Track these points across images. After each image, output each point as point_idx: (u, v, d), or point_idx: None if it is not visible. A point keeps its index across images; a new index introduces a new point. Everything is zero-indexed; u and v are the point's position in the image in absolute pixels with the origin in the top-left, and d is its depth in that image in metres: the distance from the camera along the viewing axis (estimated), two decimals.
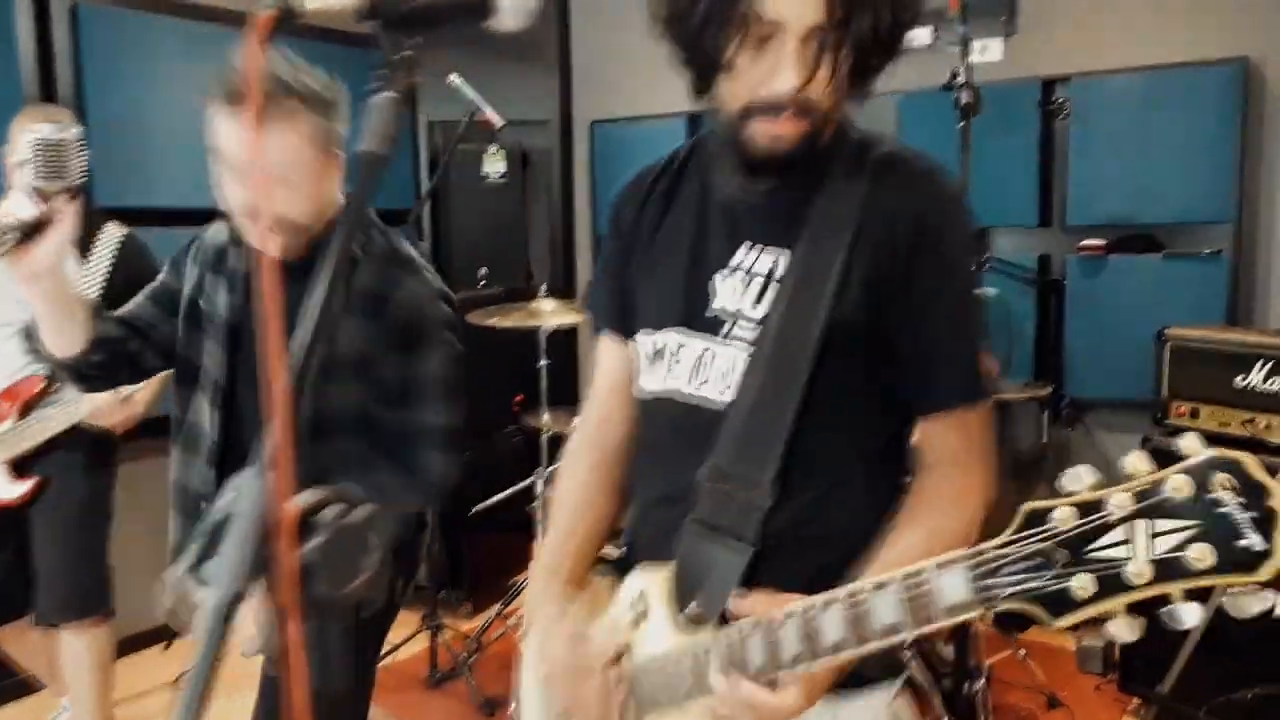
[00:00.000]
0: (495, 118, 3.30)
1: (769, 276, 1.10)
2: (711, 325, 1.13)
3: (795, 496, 1.08)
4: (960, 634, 3.06)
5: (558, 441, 3.30)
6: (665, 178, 1.24)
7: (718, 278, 1.14)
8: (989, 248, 3.71)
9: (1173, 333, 3.02)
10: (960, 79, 2.34)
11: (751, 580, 1.05)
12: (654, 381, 1.19)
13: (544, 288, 3.60)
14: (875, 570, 0.98)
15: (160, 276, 1.79)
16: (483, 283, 4.81)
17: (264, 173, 1.47)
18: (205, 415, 1.68)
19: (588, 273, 4.98)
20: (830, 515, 1.10)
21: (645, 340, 1.21)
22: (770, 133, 1.02)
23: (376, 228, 1.67)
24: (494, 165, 4.98)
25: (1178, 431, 3.00)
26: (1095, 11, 3.47)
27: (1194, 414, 2.97)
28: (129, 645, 3.41)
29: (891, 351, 1.08)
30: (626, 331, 1.26)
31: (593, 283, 1.31)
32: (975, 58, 3.71)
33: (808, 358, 1.05)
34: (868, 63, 1.03)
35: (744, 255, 1.12)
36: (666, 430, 1.18)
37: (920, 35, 3.80)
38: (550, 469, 3.38)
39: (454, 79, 3.38)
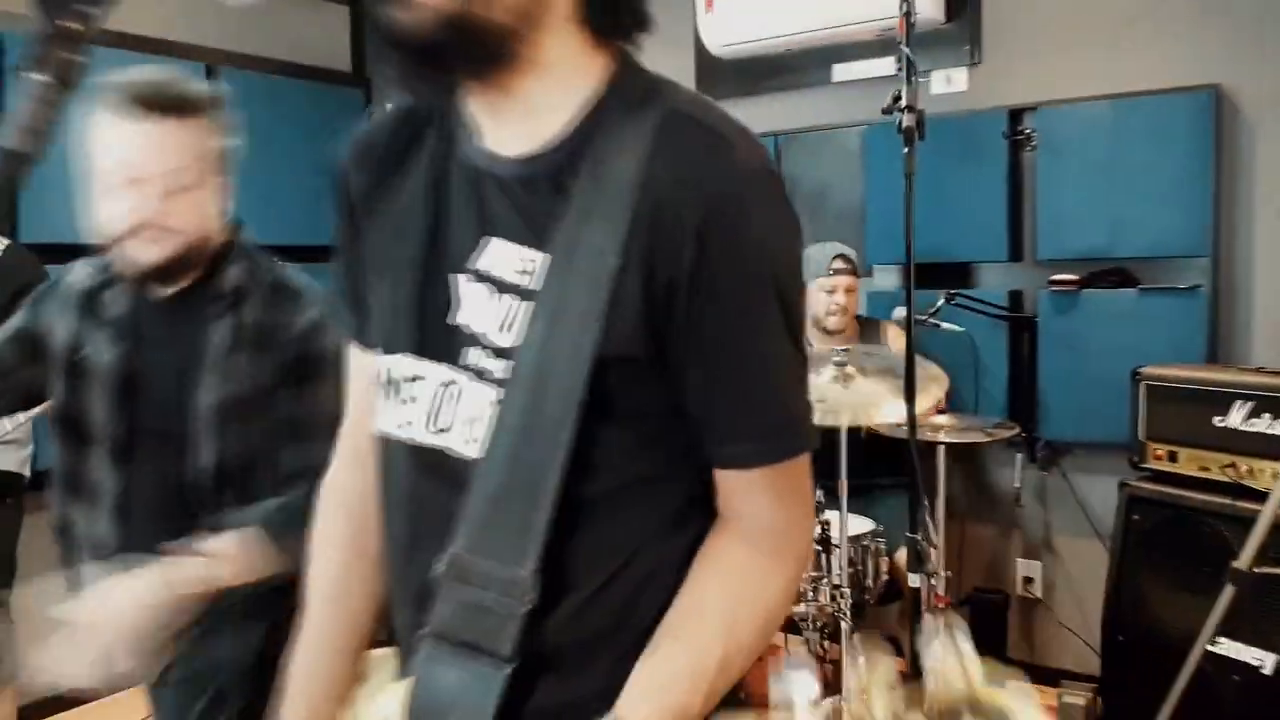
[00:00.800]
0: None
1: (520, 291, 0.82)
2: (452, 349, 0.85)
3: (569, 592, 0.82)
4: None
5: None
6: (405, 126, 0.92)
7: (462, 281, 0.85)
8: (969, 282, 3.57)
9: (1148, 371, 2.86)
10: (902, 101, 2.18)
11: (516, 707, 0.79)
12: (386, 421, 0.90)
13: None
14: (637, 696, 0.78)
15: (17, 321, 1.65)
16: None
17: (159, 180, 1.44)
18: (104, 470, 1.58)
19: None
20: (621, 610, 0.84)
21: (379, 362, 0.92)
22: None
23: (264, 257, 1.61)
24: None
25: (1156, 476, 2.83)
26: (1061, 39, 3.35)
27: (1172, 457, 2.80)
28: (40, 711, 3.20)
29: (683, 389, 0.82)
30: (368, 341, 0.98)
31: (333, 271, 1.01)
32: (940, 88, 3.60)
33: (573, 406, 0.77)
34: None
35: (492, 255, 0.84)
36: (402, 488, 0.90)
37: (882, 65, 3.68)
38: None
39: None
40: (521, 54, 0.79)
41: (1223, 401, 2.66)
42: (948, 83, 3.58)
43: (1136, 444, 2.87)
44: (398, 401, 0.88)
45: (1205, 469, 2.71)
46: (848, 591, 2.52)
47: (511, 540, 0.78)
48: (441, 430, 0.85)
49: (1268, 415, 2.58)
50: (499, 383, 0.82)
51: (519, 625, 0.78)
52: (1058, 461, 3.43)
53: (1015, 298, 3.48)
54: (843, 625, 2.52)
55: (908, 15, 2.26)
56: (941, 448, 2.97)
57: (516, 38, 0.78)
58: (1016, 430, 3.02)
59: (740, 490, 0.85)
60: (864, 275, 3.62)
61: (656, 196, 0.77)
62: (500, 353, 0.83)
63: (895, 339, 3.27)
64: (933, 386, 2.98)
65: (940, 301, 3.31)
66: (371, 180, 0.93)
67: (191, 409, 1.49)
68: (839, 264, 3.28)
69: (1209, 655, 2.54)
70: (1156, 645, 2.69)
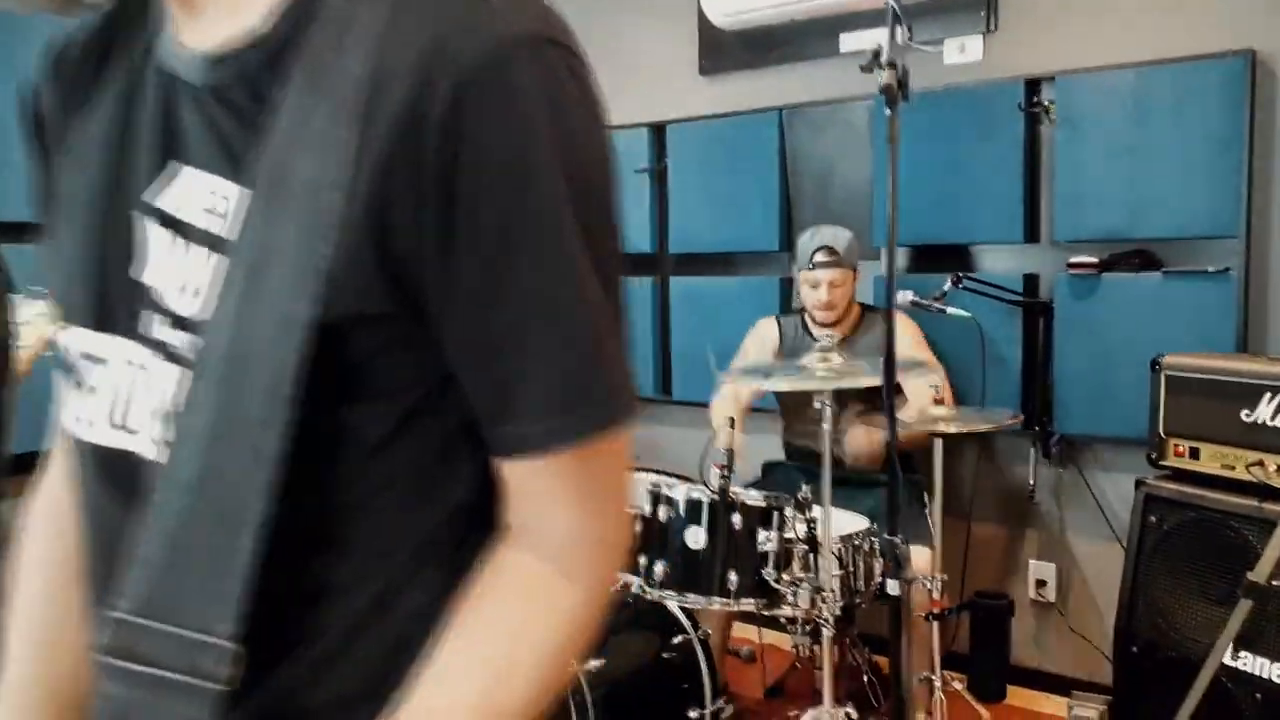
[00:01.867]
0: None
1: (210, 240, 0.63)
2: (134, 317, 0.65)
3: (294, 653, 0.62)
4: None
5: None
6: (108, 27, 0.73)
7: (145, 223, 0.66)
8: (981, 265, 3.35)
9: (1169, 361, 2.63)
10: (883, 55, 1.96)
11: None
12: (69, 416, 0.70)
13: None
14: None
15: None
16: None
17: None
18: None
19: None
20: (376, 668, 0.63)
21: (59, 340, 0.71)
22: None
23: None
24: None
25: (1177, 475, 2.61)
26: (1082, 3, 3.11)
27: (1194, 454, 2.58)
28: None
29: (448, 350, 0.61)
30: None
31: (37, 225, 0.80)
32: (954, 58, 3.38)
33: (281, 400, 0.56)
34: None
35: (180, 189, 0.65)
36: (89, 507, 0.71)
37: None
38: None
39: None
40: None
41: (1251, 394, 2.44)
42: (962, 51, 3.35)
43: (1156, 440, 2.65)
44: (79, 391, 0.68)
45: (1230, 467, 2.49)
46: (831, 595, 2.34)
47: (200, 590, 0.57)
48: (126, 429, 0.65)
49: None
50: (187, 363, 0.61)
51: (215, 698, 0.56)
52: (1075, 458, 3.20)
53: (1030, 282, 3.25)
54: (824, 632, 2.33)
55: None
56: (939, 441, 2.76)
57: None
58: (1019, 419, 2.81)
59: (528, 486, 0.63)
60: (871, 258, 3.41)
61: (391, 92, 0.56)
62: (181, 323, 0.62)
63: (903, 329, 3.06)
64: (931, 375, 2.78)
65: (947, 285, 3.09)
66: (65, 100, 0.73)
67: None
68: (821, 257, 3.08)
69: (1229, 670, 2.32)
70: (1173, 657, 2.48)
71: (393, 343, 0.60)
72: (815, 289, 3.11)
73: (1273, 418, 2.40)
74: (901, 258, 3.55)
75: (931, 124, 3.30)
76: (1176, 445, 2.61)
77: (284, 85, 0.60)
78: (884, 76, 1.93)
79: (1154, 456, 2.65)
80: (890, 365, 2.06)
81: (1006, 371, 3.23)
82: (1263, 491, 2.38)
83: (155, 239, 0.65)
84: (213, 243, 0.62)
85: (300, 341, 0.56)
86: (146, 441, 0.64)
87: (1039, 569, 3.31)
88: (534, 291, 0.58)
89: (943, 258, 3.38)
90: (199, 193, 0.63)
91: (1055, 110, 3.11)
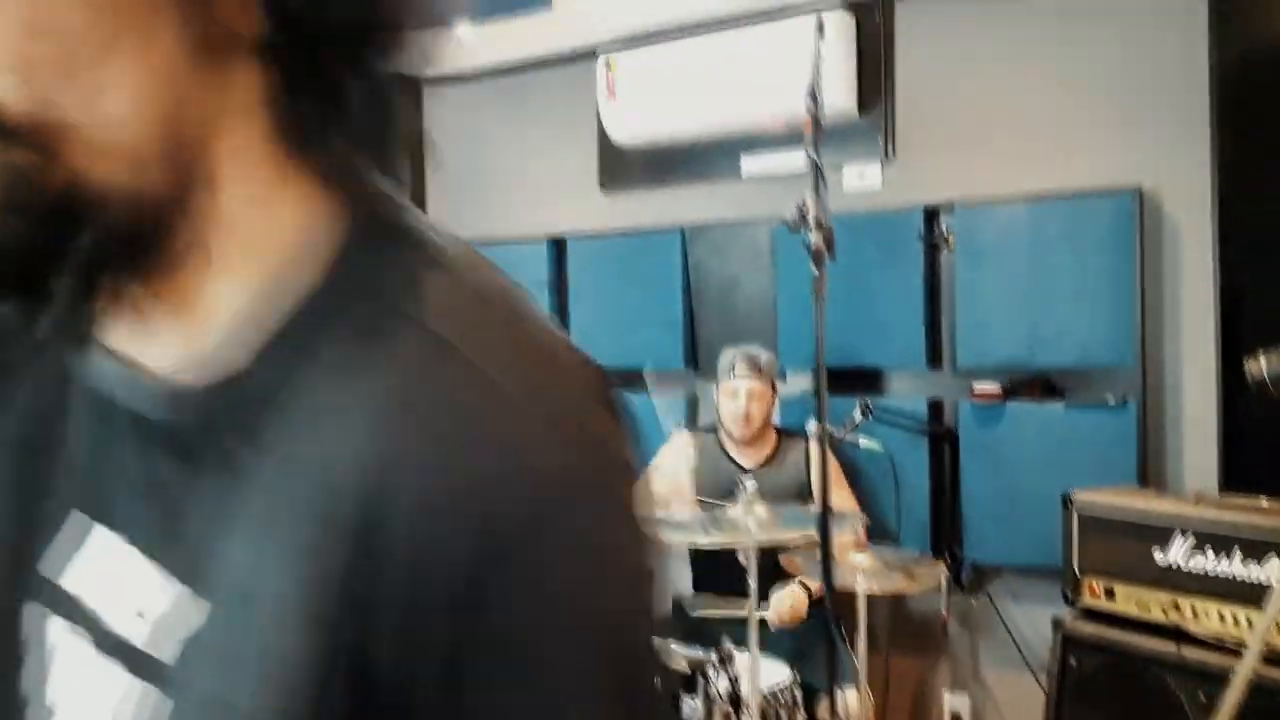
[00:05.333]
0: None
1: (134, 660, 0.46)
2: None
3: None
4: None
5: None
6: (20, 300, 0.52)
7: (38, 613, 0.51)
8: (884, 388, 3.32)
9: (1081, 498, 2.62)
10: (810, 214, 1.91)
11: None
12: None
13: None
14: None
15: None
16: None
17: None
18: None
19: None
20: None
21: None
22: None
23: None
24: None
25: (1093, 614, 2.57)
26: (978, 136, 3.18)
27: (1109, 594, 2.54)
28: None
29: None
30: None
31: None
32: (853, 184, 3.40)
33: None
34: None
35: (92, 563, 0.50)
36: None
37: (793, 159, 3.48)
38: None
39: None
40: (168, 233, 0.44)
41: (1162, 535, 2.42)
42: (860, 178, 3.37)
43: (1070, 577, 2.61)
44: None
45: (1145, 608, 2.46)
46: None
47: None
48: None
49: (1211, 551, 2.35)
50: None
51: None
52: (985, 586, 3.16)
53: (935, 408, 3.24)
54: None
55: (815, 116, 2.00)
56: (859, 579, 2.67)
57: (153, 210, 0.43)
58: (942, 568, 2.75)
59: None
60: (779, 380, 3.35)
61: (391, 523, 0.42)
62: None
63: (817, 457, 2.98)
64: (852, 520, 2.70)
65: (857, 415, 3.05)
66: None
67: None
68: (742, 367, 3.02)
69: None
70: None
71: None
72: (734, 399, 3.02)
73: (1185, 560, 2.39)
74: (804, 381, 3.50)
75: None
76: (1092, 584, 2.57)
77: (257, 447, 0.44)
78: (813, 239, 1.87)
79: (1069, 595, 2.61)
80: (825, 518, 1.96)
81: (915, 498, 3.18)
82: (1181, 636, 2.35)
83: (60, 641, 0.48)
84: (138, 666, 0.46)
85: None
86: None
87: (953, 701, 3.23)
88: None
89: (847, 381, 3.35)
90: (123, 579, 0.47)
91: (954, 239, 3.14)
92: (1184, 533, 2.39)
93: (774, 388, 3.10)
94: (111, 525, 0.48)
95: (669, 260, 3.67)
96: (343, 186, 0.48)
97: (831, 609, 2.14)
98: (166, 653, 0.45)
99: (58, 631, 0.49)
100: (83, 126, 0.40)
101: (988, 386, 3.08)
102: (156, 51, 0.41)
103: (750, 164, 3.57)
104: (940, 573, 2.71)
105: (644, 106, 3.58)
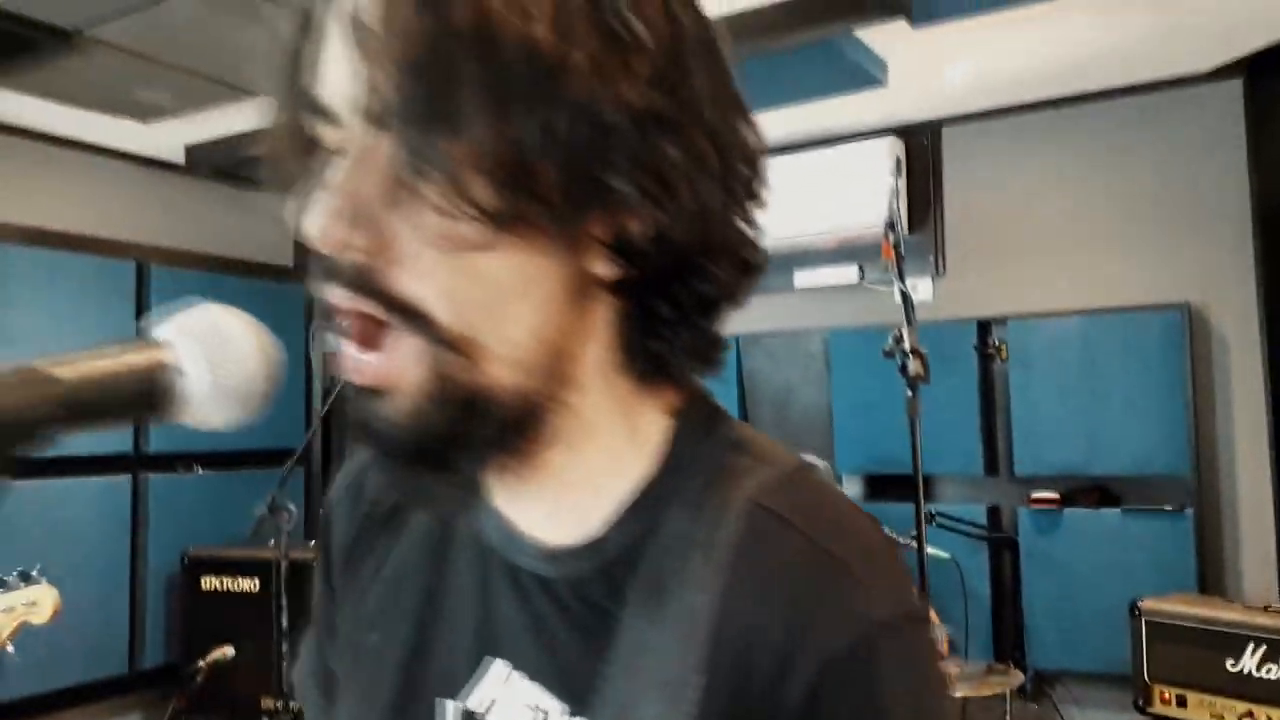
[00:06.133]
0: None
1: None
2: None
3: None
4: None
5: None
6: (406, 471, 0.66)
7: (449, 713, 0.62)
8: (942, 496, 3.41)
9: (1148, 606, 2.68)
10: (905, 343, 2.04)
11: None
12: None
13: None
14: None
15: None
16: None
17: None
18: None
19: None
20: None
21: None
22: (347, 360, 0.53)
23: None
24: None
25: None
26: (1026, 252, 3.33)
27: (1181, 701, 2.59)
28: None
29: None
30: None
31: (305, 645, 0.77)
32: None
33: None
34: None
35: (493, 687, 0.60)
36: None
37: (844, 273, 3.63)
38: None
39: None
40: (543, 422, 0.57)
41: (1235, 644, 2.48)
42: (914, 292, 3.51)
43: (1140, 685, 2.66)
44: None
45: (1219, 716, 2.50)
46: None
47: None
48: None
49: None
50: None
51: None
52: (1049, 692, 3.19)
53: (993, 515, 3.32)
54: None
55: (896, 247, 2.14)
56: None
57: (539, 405, 0.56)
58: (1017, 675, 2.79)
59: None
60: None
61: (744, 654, 0.53)
62: None
63: None
64: (936, 629, 2.75)
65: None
66: (356, 534, 0.70)
67: None
68: None
69: None
70: None
71: None
72: None
73: (1259, 668, 2.44)
74: (859, 486, 3.59)
75: (866, 356, 3.41)
76: (1162, 692, 2.62)
77: (619, 600, 0.56)
78: (912, 366, 1.99)
79: (1140, 703, 2.65)
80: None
81: (976, 606, 3.24)
82: None
83: None
84: None
85: None
86: None
87: None
88: None
89: (901, 487, 3.43)
90: (516, 701, 0.58)
91: (1008, 351, 3.27)
92: (1256, 641, 2.45)
93: None
94: (508, 659, 0.59)
95: (724, 367, 3.78)
96: (675, 389, 0.61)
97: None
98: None
99: None
100: (492, 344, 0.52)
101: (1046, 493, 3.16)
102: (546, 294, 0.54)
103: (802, 277, 3.73)
104: (1013, 680, 2.74)
105: None
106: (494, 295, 0.52)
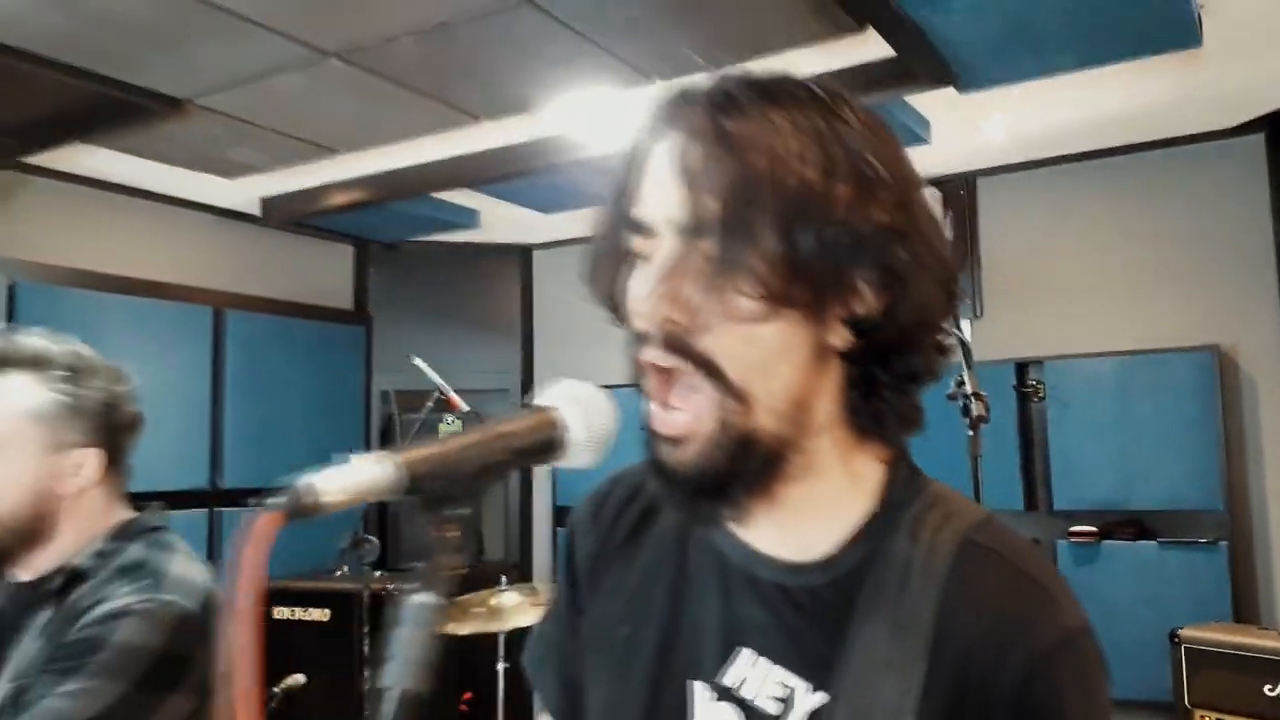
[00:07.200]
0: (461, 401, 3.15)
1: None
2: None
3: None
4: None
5: None
6: (639, 499, 0.85)
7: (699, 691, 0.77)
8: None
9: (1188, 634, 2.81)
10: (967, 388, 2.22)
11: None
12: None
13: (504, 579, 3.32)
14: None
15: None
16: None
17: None
18: None
19: (545, 551, 4.72)
20: None
21: None
22: (656, 418, 0.70)
23: (141, 539, 1.37)
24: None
25: None
26: (1061, 297, 3.51)
27: None
28: None
29: None
30: None
31: (538, 632, 0.92)
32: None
33: None
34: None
35: (743, 670, 0.75)
36: None
37: None
38: None
39: (417, 360, 3.25)
40: (789, 461, 0.73)
41: (1272, 670, 2.61)
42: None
43: (1181, 710, 2.78)
44: None
45: None
46: None
47: None
48: None
49: None
50: None
51: None
52: None
53: None
54: None
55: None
56: None
57: (786, 446, 0.72)
58: None
59: None
60: None
61: (962, 650, 0.67)
62: None
63: None
64: None
65: None
66: (598, 550, 0.85)
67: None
68: None
69: None
70: None
71: None
72: None
73: None
74: None
75: (930, 397, 3.58)
76: (1203, 717, 2.74)
77: (849, 606, 0.72)
78: (975, 409, 2.16)
79: None
80: None
81: None
82: None
83: (714, 712, 0.75)
84: None
85: None
86: None
87: None
88: None
89: None
90: (766, 679, 0.73)
91: (1045, 390, 3.43)
92: None
93: None
94: (749, 645, 0.75)
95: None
96: (885, 444, 0.77)
97: None
98: None
99: (712, 705, 0.76)
100: (761, 395, 0.70)
101: (1084, 527, 3.31)
102: (799, 357, 0.71)
103: None
104: None
105: None
106: (765, 356, 0.69)
